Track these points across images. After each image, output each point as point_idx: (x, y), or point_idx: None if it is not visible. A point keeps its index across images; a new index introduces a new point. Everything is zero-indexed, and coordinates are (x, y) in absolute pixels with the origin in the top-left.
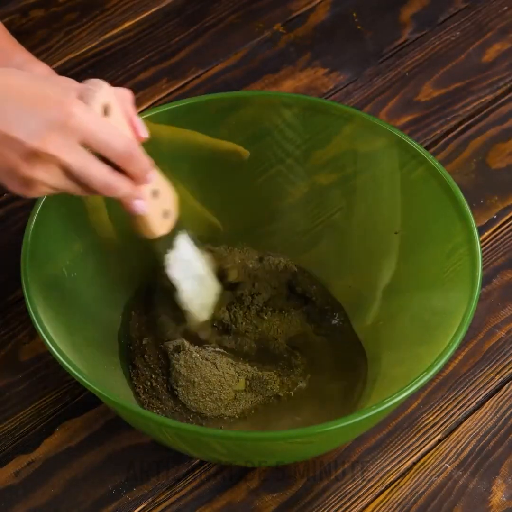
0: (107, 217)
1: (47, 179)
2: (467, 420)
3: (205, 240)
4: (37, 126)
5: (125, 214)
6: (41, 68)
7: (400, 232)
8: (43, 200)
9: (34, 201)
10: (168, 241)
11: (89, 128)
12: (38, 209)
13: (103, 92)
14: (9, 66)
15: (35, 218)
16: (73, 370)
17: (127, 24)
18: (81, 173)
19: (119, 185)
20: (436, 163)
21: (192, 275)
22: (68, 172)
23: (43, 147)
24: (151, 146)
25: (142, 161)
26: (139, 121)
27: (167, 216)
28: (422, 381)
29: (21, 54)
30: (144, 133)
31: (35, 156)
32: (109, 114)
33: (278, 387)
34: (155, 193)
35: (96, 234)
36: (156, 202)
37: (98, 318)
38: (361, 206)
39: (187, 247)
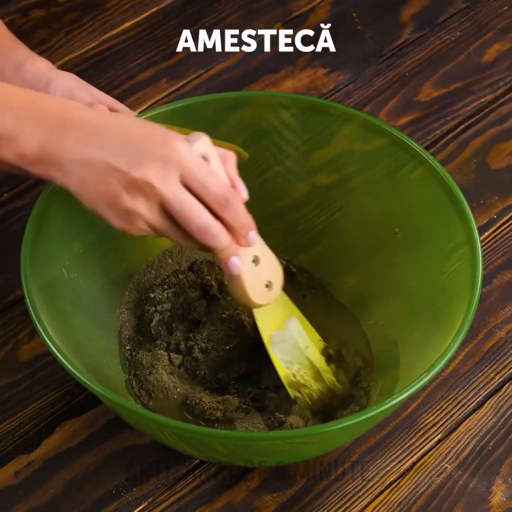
0: None
1: (146, 212)
2: (467, 420)
3: None
4: (140, 158)
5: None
6: (42, 63)
7: (400, 232)
8: (43, 200)
9: (34, 201)
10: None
11: (190, 165)
12: (38, 209)
13: (202, 142)
14: (10, 61)
15: (35, 218)
16: (73, 370)
17: (127, 24)
18: (179, 208)
19: (217, 233)
20: (436, 163)
21: (296, 359)
22: (166, 206)
23: (145, 177)
24: None
25: (242, 215)
26: (240, 182)
27: (268, 288)
28: (423, 382)
29: (22, 50)
30: (245, 194)
31: (136, 186)
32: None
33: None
34: (256, 261)
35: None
36: (256, 269)
37: (98, 318)
38: (361, 206)
39: (296, 331)
